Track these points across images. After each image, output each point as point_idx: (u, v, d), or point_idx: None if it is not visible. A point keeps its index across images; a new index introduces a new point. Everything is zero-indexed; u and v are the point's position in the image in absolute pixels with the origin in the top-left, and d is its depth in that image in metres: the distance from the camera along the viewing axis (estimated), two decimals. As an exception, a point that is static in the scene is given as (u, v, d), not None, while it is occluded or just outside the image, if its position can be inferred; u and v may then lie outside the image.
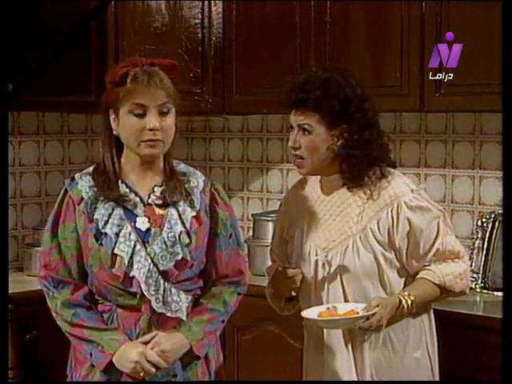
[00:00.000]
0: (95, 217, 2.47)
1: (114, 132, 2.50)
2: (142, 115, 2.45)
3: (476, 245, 3.60)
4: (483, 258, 3.57)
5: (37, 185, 4.23)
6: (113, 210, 2.48)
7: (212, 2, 4.03)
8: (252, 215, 4.18)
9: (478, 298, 3.50)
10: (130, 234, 2.46)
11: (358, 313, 2.60)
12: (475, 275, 3.55)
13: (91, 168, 2.56)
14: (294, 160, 2.78)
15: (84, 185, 2.50)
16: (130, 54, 3.75)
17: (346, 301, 2.70)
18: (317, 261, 2.75)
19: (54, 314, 2.51)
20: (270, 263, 3.01)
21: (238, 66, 4.02)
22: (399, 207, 2.69)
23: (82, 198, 2.49)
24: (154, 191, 2.53)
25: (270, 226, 3.92)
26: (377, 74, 3.58)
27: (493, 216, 3.58)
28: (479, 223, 3.62)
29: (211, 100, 4.05)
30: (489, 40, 3.19)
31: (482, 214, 3.65)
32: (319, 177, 2.83)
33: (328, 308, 2.66)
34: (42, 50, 3.53)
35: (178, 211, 2.52)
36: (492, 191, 3.65)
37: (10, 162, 4.06)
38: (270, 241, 3.02)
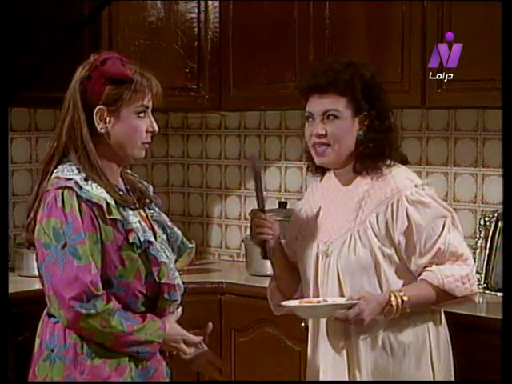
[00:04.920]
0: (131, 226, 2.35)
1: (104, 130, 2.38)
2: (143, 117, 2.40)
3: (479, 244, 3.57)
4: (486, 258, 3.54)
5: (28, 183, 4.15)
6: (135, 216, 2.40)
7: (208, -4, 4.01)
8: (249, 214, 4.11)
9: (481, 299, 3.44)
10: (161, 241, 2.45)
11: None
12: (478, 276, 3.50)
13: (74, 168, 2.36)
14: (316, 148, 2.72)
15: (98, 190, 2.33)
16: (124, 48, 3.76)
17: (341, 295, 2.68)
18: (317, 254, 2.74)
19: (96, 333, 2.31)
20: (266, 263, 2.99)
21: (235, 61, 3.98)
22: (399, 201, 2.66)
23: (100, 205, 2.31)
24: (129, 195, 2.48)
25: (268, 224, 3.88)
26: (377, 69, 3.51)
27: (496, 215, 3.55)
28: (482, 222, 3.58)
29: (207, 96, 4.02)
30: (491, 35, 3.16)
31: (484, 212, 3.63)
32: (332, 172, 2.80)
33: (318, 302, 2.65)
34: (36, 48, 3.58)
35: (155, 212, 2.52)
36: (495, 189, 3.62)
37: (2, 160, 4.02)
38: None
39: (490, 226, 3.54)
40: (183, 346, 2.45)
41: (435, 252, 2.65)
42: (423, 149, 3.81)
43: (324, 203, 2.80)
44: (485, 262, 3.53)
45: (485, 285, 3.51)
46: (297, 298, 2.76)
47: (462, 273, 2.67)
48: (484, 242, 3.55)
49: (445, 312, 2.97)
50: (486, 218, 3.57)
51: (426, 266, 2.67)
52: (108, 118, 2.38)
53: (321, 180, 2.86)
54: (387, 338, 2.67)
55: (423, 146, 3.81)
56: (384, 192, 2.68)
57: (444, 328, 2.77)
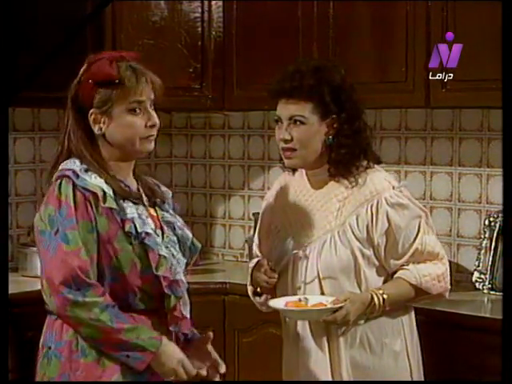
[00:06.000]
0: (128, 216, 2.35)
1: (100, 132, 2.39)
2: (139, 112, 2.39)
3: (483, 245, 3.56)
4: (491, 259, 3.53)
5: (32, 183, 4.15)
6: (136, 209, 2.39)
7: (212, -4, 4.00)
8: (253, 214, 4.14)
9: (486, 299, 3.46)
10: (169, 241, 2.44)
11: (325, 305, 2.61)
12: (482, 276, 3.51)
13: (77, 162, 2.38)
14: (284, 151, 2.74)
15: (97, 180, 2.34)
16: (127, 48, 3.72)
17: (322, 295, 2.70)
18: (295, 254, 2.75)
19: (83, 324, 2.27)
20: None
21: (238, 61, 3.97)
22: (379, 203, 2.68)
23: (97, 194, 2.33)
24: (139, 192, 2.48)
25: (272, 225, 3.88)
26: (381, 69, 3.56)
27: (501, 215, 3.52)
28: (486, 222, 3.57)
29: (211, 96, 4.01)
30: (496, 35, 3.12)
31: (489, 213, 3.61)
32: (304, 171, 2.81)
33: (300, 299, 2.67)
34: (36, 48, 3.57)
35: (167, 213, 2.51)
36: (500, 190, 3.59)
37: (5, 160, 4.01)
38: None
39: (495, 226, 3.53)
40: (181, 370, 2.35)
41: (413, 252, 2.70)
42: (428, 149, 3.79)
43: (297, 202, 2.81)
44: (489, 263, 3.51)
45: (489, 285, 3.50)
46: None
47: (438, 272, 2.73)
48: (489, 242, 3.53)
49: (449, 313, 2.98)
50: (491, 219, 3.55)
51: (402, 265, 2.71)
52: (102, 120, 2.39)
53: (293, 174, 2.86)
54: (365, 335, 2.70)
55: (428, 146, 3.79)
56: (363, 194, 2.70)
57: (413, 322, 2.81)
